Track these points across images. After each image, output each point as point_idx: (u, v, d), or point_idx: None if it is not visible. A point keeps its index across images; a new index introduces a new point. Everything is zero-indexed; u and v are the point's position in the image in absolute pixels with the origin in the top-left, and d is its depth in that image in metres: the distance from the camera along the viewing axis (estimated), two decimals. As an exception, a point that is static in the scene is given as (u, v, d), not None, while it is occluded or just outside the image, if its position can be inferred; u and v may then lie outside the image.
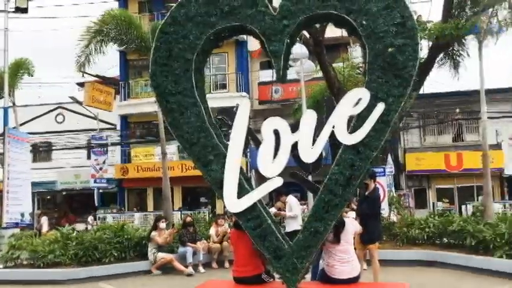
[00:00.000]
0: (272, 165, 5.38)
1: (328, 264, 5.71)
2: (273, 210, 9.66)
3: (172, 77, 5.54)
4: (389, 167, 13.92)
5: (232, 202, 5.44)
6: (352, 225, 6.07)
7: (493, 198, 17.60)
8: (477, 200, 16.52)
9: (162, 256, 10.45)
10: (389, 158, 14.27)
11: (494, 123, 20.05)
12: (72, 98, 24.61)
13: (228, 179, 5.44)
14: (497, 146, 20.40)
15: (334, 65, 14.78)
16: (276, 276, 5.68)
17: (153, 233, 10.67)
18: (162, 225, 10.89)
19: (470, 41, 12.50)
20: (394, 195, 13.36)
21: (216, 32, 5.57)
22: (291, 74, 13.77)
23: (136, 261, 10.70)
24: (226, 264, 10.68)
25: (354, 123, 5.16)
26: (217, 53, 21.66)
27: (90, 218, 20.15)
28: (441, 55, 13.36)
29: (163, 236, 10.71)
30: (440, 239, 10.58)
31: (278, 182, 5.37)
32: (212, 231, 11.34)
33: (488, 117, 13.11)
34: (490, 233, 9.21)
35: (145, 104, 20.29)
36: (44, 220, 18.34)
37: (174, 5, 5.65)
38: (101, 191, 23.66)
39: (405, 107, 13.34)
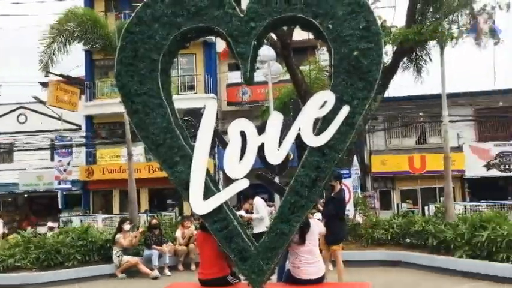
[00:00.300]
0: (238, 167, 5.37)
1: (294, 265, 5.75)
2: (241, 213, 9.68)
3: (138, 78, 5.47)
4: (355, 169, 14.14)
5: (198, 204, 5.41)
6: (317, 226, 6.13)
7: (455, 199, 18.17)
8: (439, 201, 16.96)
9: (127, 259, 10.30)
10: (355, 160, 14.49)
11: (456, 126, 20.69)
12: (35, 97, 23.95)
13: (194, 181, 5.40)
14: (459, 149, 21.03)
15: (301, 67, 14.93)
16: (242, 278, 5.67)
17: (118, 236, 10.51)
18: (127, 227, 10.74)
19: (433, 47, 12.88)
20: (360, 196, 13.60)
21: (182, 33, 5.52)
22: (259, 76, 13.80)
23: (101, 265, 10.53)
24: (193, 267, 10.61)
25: (320, 126, 5.21)
26: (185, 54, 21.56)
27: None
28: (405, 60, 13.70)
29: (128, 239, 10.56)
30: (404, 240, 10.83)
31: (244, 183, 5.36)
32: (178, 233, 11.27)
33: (450, 121, 13.51)
34: (450, 233, 9.48)
35: (112, 104, 19.92)
36: (-1, 223, 17.76)
37: (140, 4, 5.59)
38: (64, 193, 23.10)
39: (370, 110, 13.61)
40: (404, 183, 22.09)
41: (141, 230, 11.05)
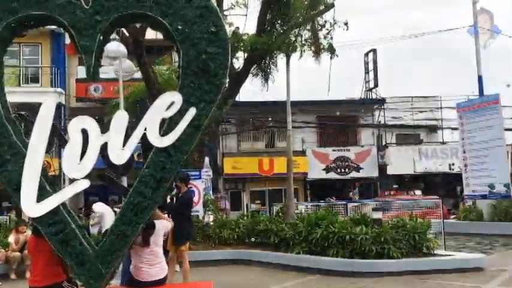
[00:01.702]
0: (78, 167, 5.08)
1: (136, 266, 5.61)
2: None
3: (-38, 65, 4.87)
4: (206, 171, 14.33)
5: (31, 206, 4.98)
6: (162, 226, 6.06)
7: (299, 199, 19.52)
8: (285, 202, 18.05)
9: None
10: (207, 162, 14.71)
11: (301, 131, 22.32)
12: None
13: (27, 181, 4.97)
14: (303, 153, 22.73)
15: (157, 67, 14.72)
16: (79, 283, 5.37)
17: None
18: None
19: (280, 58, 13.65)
20: (211, 197, 13.84)
21: (18, 20, 5.05)
22: (111, 73, 13.28)
23: None
24: (27, 274, 9.71)
25: (166, 127, 5.18)
26: (29, 43, 19.87)
27: None
28: (255, 67, 14.31)
29: None
30: (249, 239, 11.33)
31: (84, 184, 5.08)
32: (11, 239, 10.29)
33: (294, 127, 14.50)
34: (290, 231, 10.17)
35: None
36: None
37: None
38: None
39: (223, 113, 13.98)
40: (254, 185, 23.12)
41: None
